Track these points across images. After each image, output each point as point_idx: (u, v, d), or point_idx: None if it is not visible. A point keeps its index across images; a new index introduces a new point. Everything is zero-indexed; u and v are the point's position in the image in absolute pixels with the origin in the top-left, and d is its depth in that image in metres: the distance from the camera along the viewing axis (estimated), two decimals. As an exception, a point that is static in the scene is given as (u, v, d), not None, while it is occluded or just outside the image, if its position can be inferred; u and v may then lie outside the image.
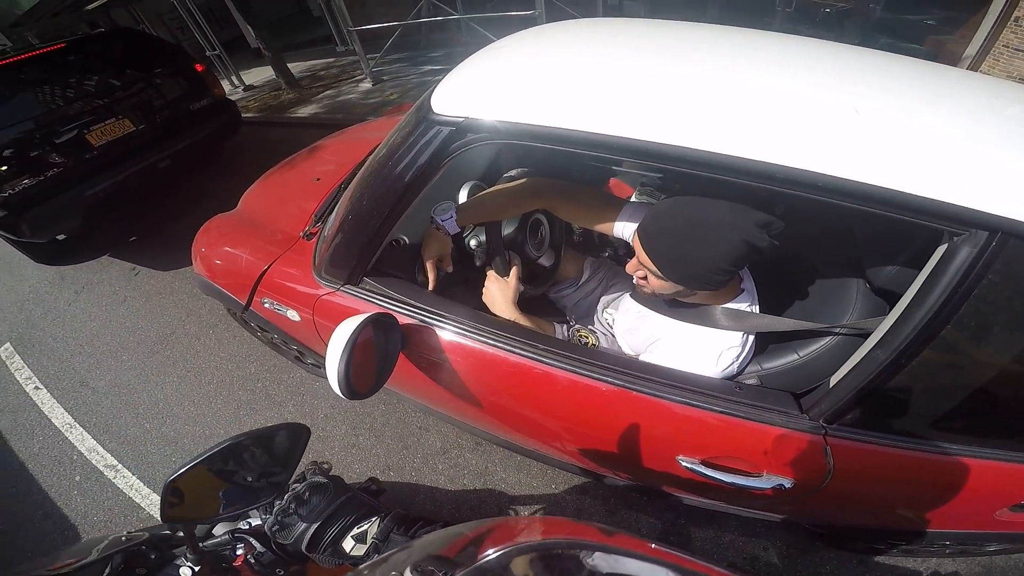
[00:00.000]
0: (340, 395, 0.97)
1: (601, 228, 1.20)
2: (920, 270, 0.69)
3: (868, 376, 0.74)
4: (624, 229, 1.14)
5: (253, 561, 0.67)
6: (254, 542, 0.69)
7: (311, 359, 1.98)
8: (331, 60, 8.14)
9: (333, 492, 0.74)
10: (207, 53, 7.63)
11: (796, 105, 0.70)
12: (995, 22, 4.18)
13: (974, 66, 4.41)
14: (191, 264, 3.34)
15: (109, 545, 0.70)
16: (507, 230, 1.32)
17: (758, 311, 1.00)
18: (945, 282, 0.63)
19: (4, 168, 3.08)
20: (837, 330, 0.93)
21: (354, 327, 0.96)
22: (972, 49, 4.48)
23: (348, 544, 0.67)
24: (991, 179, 0.60)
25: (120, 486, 2.23)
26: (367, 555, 0.64)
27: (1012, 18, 4.03)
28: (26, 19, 10.84)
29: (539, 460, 1.56)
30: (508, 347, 1.03)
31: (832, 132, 0.65)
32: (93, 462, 2.38)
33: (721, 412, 0.86)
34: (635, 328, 1.17)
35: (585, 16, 5.71)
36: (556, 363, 0.98)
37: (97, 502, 2.21)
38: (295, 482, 0.83)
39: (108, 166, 3.52)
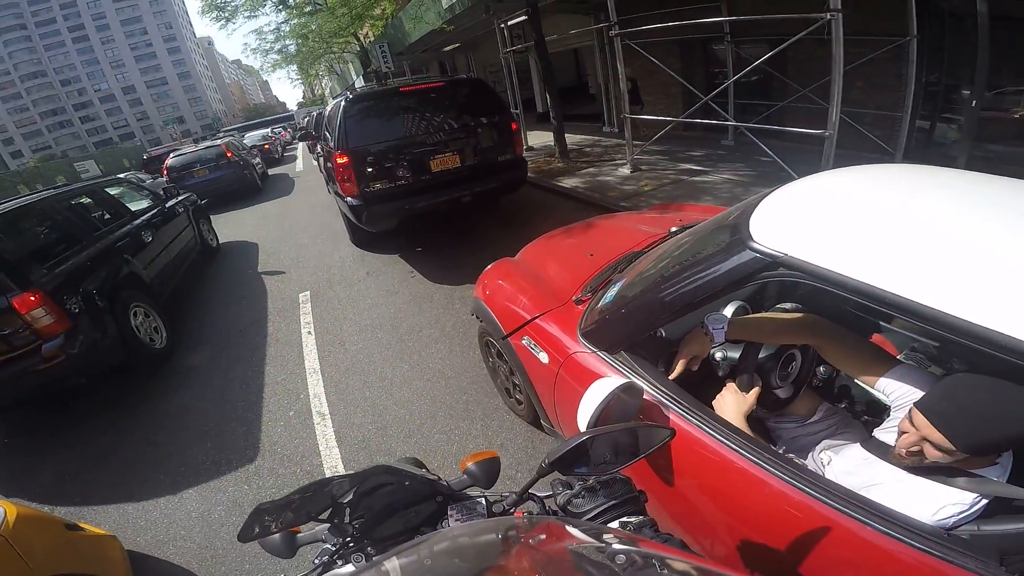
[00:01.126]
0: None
1: (865, 379, 1.21)
2: None
3: None
4: (890, 386, 1.14)
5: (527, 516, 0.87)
6: (536, 507, 0.90)
7: (519, 396, 2.33)
8: (597, 138, 9.26)
9: (628, 487, 0.90)
10: (512, 110, 9.36)
11: None
12: None
13: None
14: (454, 285, 4.27)
15: (410, 475, 0.89)
16: (761, 354, 1.43)
17: (1005, 483, 0.92)
18: None
19: (370, 170, 4.32)
20: None
21: (615, 385, 1.17)
22: None
23: (614, 525, 0.82)
24: None
25: (318, 434, 2.80)
26: None
27: None
28: (407, 50, 14.58)
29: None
30: (729, 443, 1.12)
31: None
32: (312, 406, 3.07)
33: (918, 548, 0.84)
34: (855, 471, 1.14)
35: (885, 141, 5.21)
36: (778, 472, 1.03)
37: (291, 439, 2.81)
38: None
39: (434, 189, 4.56)
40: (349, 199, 4.49)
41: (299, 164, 17.36)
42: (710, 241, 1.26)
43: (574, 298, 1.80)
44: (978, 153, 5.32)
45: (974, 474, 0.95)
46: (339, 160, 4.30)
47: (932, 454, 0.93)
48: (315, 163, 12.51)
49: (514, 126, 4.93)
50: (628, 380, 1.22)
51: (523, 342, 1.86)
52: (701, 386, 1.64)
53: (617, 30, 5.97)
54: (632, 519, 0.83)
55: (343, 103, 4.47)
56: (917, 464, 0.98)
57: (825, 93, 4.56)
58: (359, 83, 17.92)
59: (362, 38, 15.53)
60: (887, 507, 0.94)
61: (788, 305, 1.48)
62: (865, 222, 1.00)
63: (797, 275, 1.00)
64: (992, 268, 0.81)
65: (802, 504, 1.00)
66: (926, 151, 5.71)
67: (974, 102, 5.38)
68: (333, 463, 2.60)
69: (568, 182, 6.70)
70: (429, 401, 2.91)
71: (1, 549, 1.50)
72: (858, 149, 5.42)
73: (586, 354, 1.53)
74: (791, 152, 5.01)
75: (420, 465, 1.26)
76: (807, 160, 4.56)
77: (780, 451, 1.56)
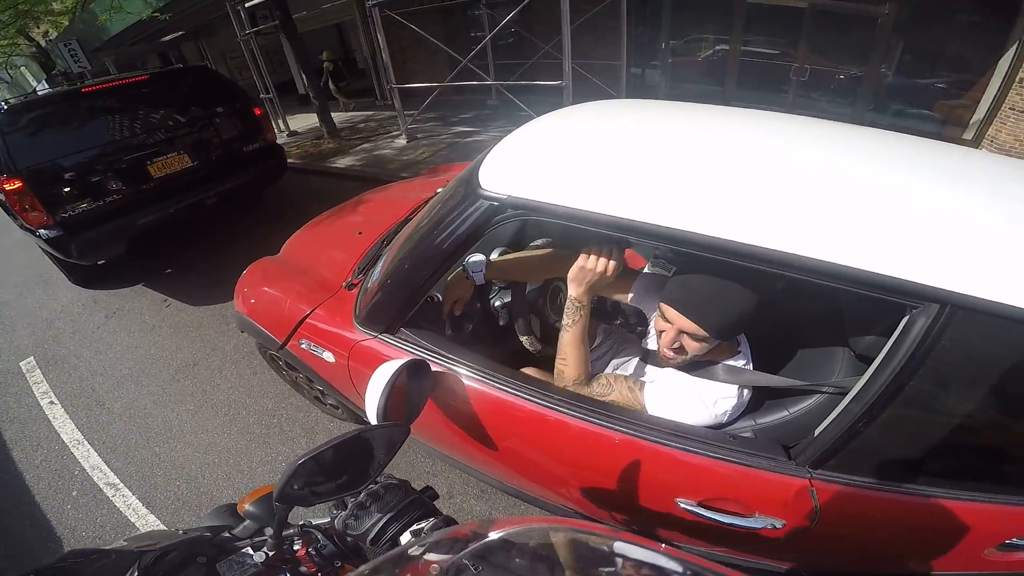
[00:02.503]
0: None
1: (618, 296, 1.37)
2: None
3: (845, 426, 0.87)
4: (637, 296, 1.32)
5: (314, 553, 0.76)
6: (319, 535, 0.78)
7: (331, 400, 2.10)
8: (370, 113, 8.81)
9: (404, 492, 0.81)
10: (261, 95, 8.24)
11: (787, 192, 0.87)
12: (1001, 84, 4.32)
13: (981, 132, 4.58)
14: (224, 302, 3.61)
15: (167, 536, 0.77)
16: (530, 296, 1.49)
17: (751, 369, 1.14)
18: (906, 347, 0.78)
19: (67, 190, 3.36)
20: (823, 389, 1.07)
21: (394, 369, 1.09)
22: (979, 114, 4.62)
23: (405, 538, 0.73)
24: (942, 256, 0.74)
25: (118, 504, 2.28)
26: None
27: (1017, 80, 4.17)
28: (107, 45, 11.78)
29: (541, 507, 1.64)
30: (525, 395, 1.17)
31: (814, 217, 0.82)
32: (95, 479, 2.44)
33: (716, 458, 0.98)
34: (639, 367, 1.33)
35: (610, 86, 6.14)
36: (570, 412, 1.12)
37: (90, 518, 2.26)
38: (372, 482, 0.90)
39: (162, 198, 3.78)
40: (42, 231, 3.42)
41: None
42: (452, 198, 1.24)
43: (344, 284, 1.64)
44: (675, 92, 6.62)
45: (728, 365, 1.12)
46: (8, 187, 3.22)
47: (690, 345, 1.06)
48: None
49: (258, 111, 4.37)
50: (411, 358, 1.14)
51: (303, 346, 1.63)
52: (495, 342, 1.67)
53: (375, 0, 5.66)
54: (424, 523, 0.76)
55: None
56: (680, 361, 1.11)
57: (563, 48, 5.02)
58: (42, 88, 13.62)
59: (38, 38, 11.72)
60: (674, 421, 1.07)
61: (540, 242, 1.56)
62: (570, 154, 1.08)
63: (523, 213, 1.03)
64: (675, 178, 0.93)
65: (607, 436, 1.08)
66: (640, 93, 6.86)
67: (665, 47, 6.65)
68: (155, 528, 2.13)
69: (343, 162, 6.26)
70: (235, 436, 2.50)
71: None
72: (592, 96, 6.22)
73: (369, 340, 1.40)
74: (543, 105, 5.37)
75: (235, 509, 1.06)
76: (553, 109, 5.05)
77: None
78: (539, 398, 1.15)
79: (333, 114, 7.49)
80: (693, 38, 6.62)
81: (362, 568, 0.61)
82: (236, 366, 3.00)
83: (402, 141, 6.53)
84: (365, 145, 6.81)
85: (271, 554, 0.73)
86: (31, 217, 3.35)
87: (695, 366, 1.13)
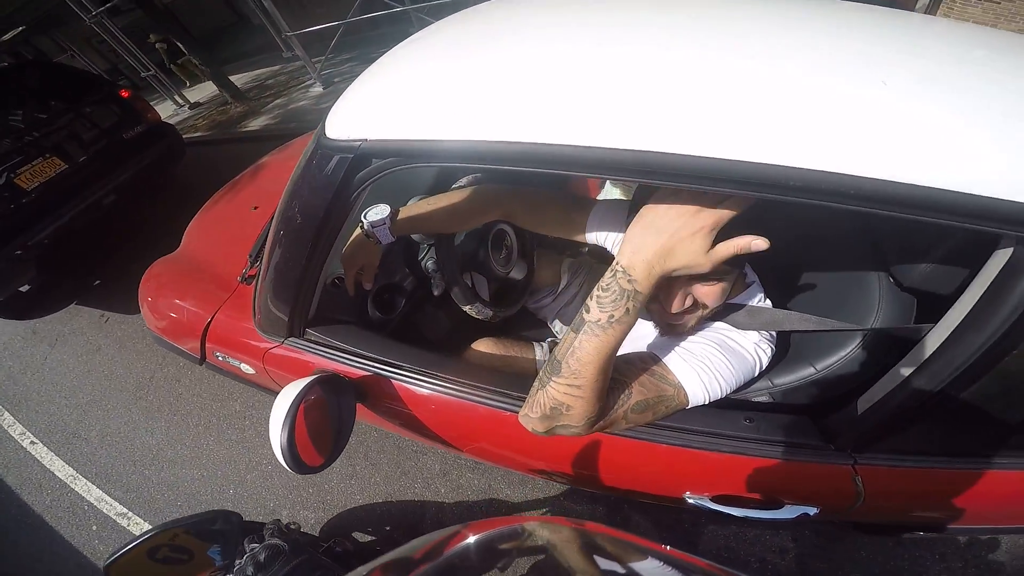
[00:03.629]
0: (291, 471, 0.80)
1: (574, 237, 0.97)
2: (961, 268, 0.52)
3: (907, 402, 0.58)
4: (599, 236, 0.93)
5: None
6: None
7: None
8: (277, 68, 7.56)
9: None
10: (143, 75, 7.00)
11: (789, 80, 0.49)
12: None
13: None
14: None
15: None
16: (467, 247, 1.12)
17: (771, 307, 0.81)
18: (1016, 298, 0.46)
19: None
20: (865, 330, 0.74)
21: (294, 396, 0.78)
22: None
23: None
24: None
25: (134, 532, 2.09)
26: None
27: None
28: None
29: (540, 476, 1.43)
30: (471, 398, 0.86)
31: (847, 117, 0.45)
32: (104, 511, 2.25)
33: (731, 452, 0.71)
34: (643, 336, 0.90)
35: None
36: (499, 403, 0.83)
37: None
38: (253, 543, 0.82)
39: (48, 209, 3.13)
40: None
41: None
42: (304, 159, 0.81)
43: (239, 277, 1.24)
44: None
45: (746, 306, 0.77)
46: None
47: (703, 292, 0.70)
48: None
49: (125, 94, 3.60)
50: (316, 377, 0.82)
51: (219, 358, 1.28)
52: (441, 316, 1.33)
53: None
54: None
55: None
56: (692, 323, 0.75)
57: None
58: None
59: None
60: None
61: (463, 181, 1.16)
62: (453, 73, 0.65)
63: (393, 160, 0.65)
64: (606, 83, 0.53)
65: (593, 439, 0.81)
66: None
67: None
68: None
69: (257, 123, 5.42)
70: (213, 445, 2.26)
71: None
72: None
73: (277, 348, 1.05)
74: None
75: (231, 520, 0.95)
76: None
77: (556, 330, 1.31)
78: (494, 400, 0.84)
79: (236, 76, 6.37)
80: None
81: None
82: (192, 371, 2.65)
83: (318, 88, 5.64)
84: (278, 101, 5.88)
85: None
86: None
87: (708, 319, 0.78)
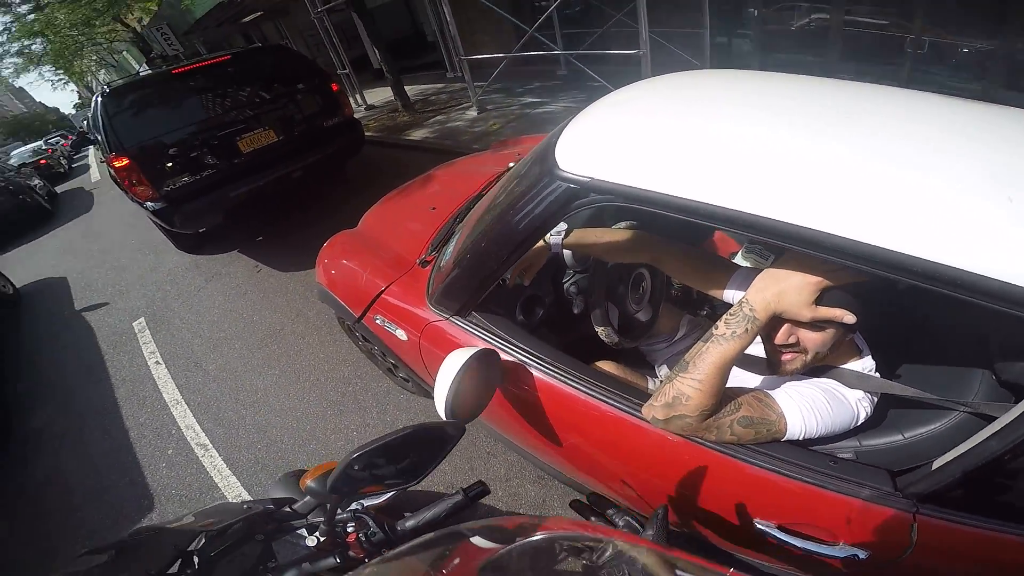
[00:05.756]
0: (444, 419, 1.07)
1: (711, 292, 1.20)
2: None
3: (979, 462, 0.71)
4: (735, 295, 1.14)
5: (363, 539, 0.79)
6: (370, 522, 0.81)
7: (403, 373, 2.16)
8: (441, 86, 8.85)
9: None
10: (338, 71, 8.51)
11: (933, 185, 0.68)
12: None
13: None
14: (308, 269, 3.83)
15: (232, 512, 0.82)
16: (611, 281, 1.39)
17: (879, 377, 0.96)
18: None
19: (169, 165, 3.69)
20: (961, 408, 0.88)
21: (463, 360, 1.06)
22: None
23: None
24: None
25: (206, 465, 2.50)
26: None
27: None
28: (196, 27, 12.74)
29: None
30: (599, 395, 1.08)
31: (984, 221, 0.63)
32: (188, 438, 2.71)
33: (811, 483, 0.86)
34: (758, 379, 1.13)
35: (693, 56, 5.67)
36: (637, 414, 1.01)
37: (180, 477, 2.49)
38: None
39: (252, 171, 4.04)
40: (149, 204, 3.79)
41: (94, 173, 14.19)
42: (525, 176, 1.14)
43: (418, 260, 1.63)
44: (768, 63, 6.01)
45: (855, 371, 0.95)
46: (117, 164, 3.57)
47: (809, 338, 0.88)
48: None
49: (335, 87, 4.50)
50: (479, 349, 1.11)
51: (377, 321, 1.67)
52: (566, 328, 1.60)
53: None
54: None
55: (101, 100, 3.70)
56: (800, 364, 0.92)
57: (637, 16, 4.73)
58: (143, 71, 14.94)
59: (133, 23, 12.88)
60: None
61: (623, 225, 1.45)
62: (661, 132, 0.95)
63: (608, 198, 0.92)
64: (787, 166, 0.77)
65: (685, 446, 0.98)
66: (727, 64, 6.29)
67: (755, 14, 6.03)
68: (236, 492, 2.32)
69: (417, 134, 6.37)
70: (313, 402, 2.66)
71: None
72: (671, 66, 5.79)
73: (441, 322, 1.39)
74: (616, 75, 5.16)
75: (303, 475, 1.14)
76: (630, 80, 4.73)
77: (662, 373, 1.55)
78: (614, 399, 1.06)
79: (406, 87, 7.60)
80: (786, 5, 5.87)
81: (415, 541, 0.61)
82: (318, 333, 3.17)
83: (473, 113, 6.52)
84: (438, 117, 6.88)
85: (322, 540, 0.75)
86: (139, 191, 3.71)
87: (819, 371, 0.97)
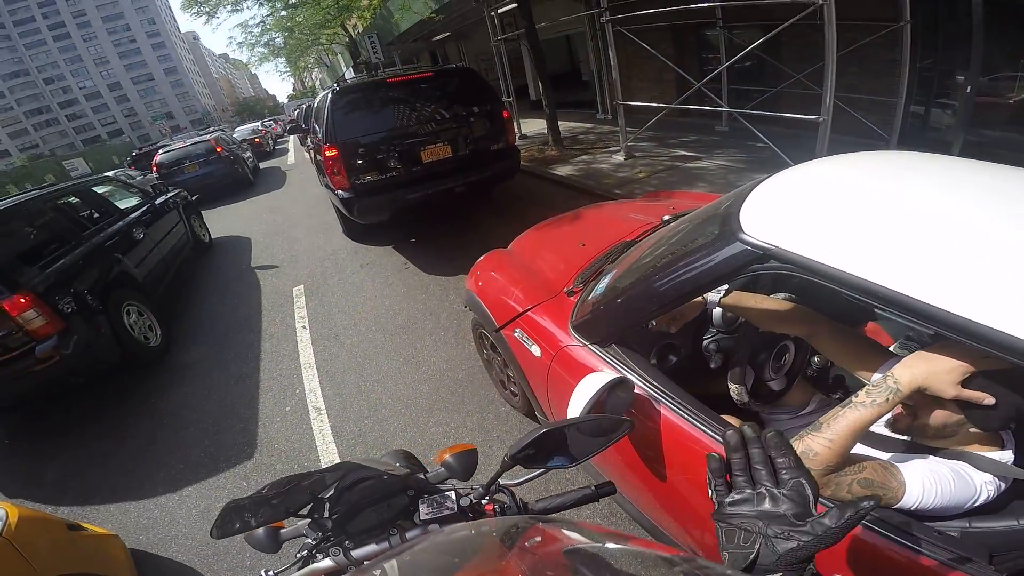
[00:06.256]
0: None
1: (860, 373, 1.20)
2: None
3: None
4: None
5: (498, 510, 0.89)
6: (508, 498, 0.91)
7: (514, 388, 2.34)
8: (591, 126, 9.21)
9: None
10: (503, 99, 9.30)
11: None
12: None
13: None
14: (449, 276, 4.28)
15: (387, 467, 0.91)
16: (755, 345, 1.43)
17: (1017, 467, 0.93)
18: None
19: (360, 163, 4.31)
20: None
21: (605, 381, 1.19)
22: None
23: None
24: None
25: (314, 429, 2.82)
26: None
27: None
28: (396, 40, 14.67)
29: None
30: (718, 436, 1.13)
31: None
32: (308, 400, 3.09)
33: (910, 547, 0.87)
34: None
35: (879, 126, 5.19)
36: None
37: (288, 434, 2.84)
38: None
39: (426, 180, 4.54)
40: (340, 192, 4.48)
41: (291, 157, 17.23)
42: (701, 232, 1.25)
43: (566, 289, 1.81)
44: (972, 138, 5.30)
45: (989, 458, 0.95)
46: (328, 153, 4.29)
47: (931, 414, 0.93)
48: (307, 156, 12.40)
49: (506, 115, 4.92)
50: (619, 375, 1.23)
51: (515, 335, 1.87)
52: (693, 381, 1.66)
53: (608, 16, 5.92)
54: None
55: (330, 96, 4.45)
56: (906, 426, 0.98)
57: (818, 78, 4.53)
58: (349, 75, 17.72)
59: (350, 29, 15.41)
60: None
61: (781, 295, 1.49)
62: (856, 212, 0.99)
63: (788, 267, 0.99)
64: (986, 261, 0.79)
65: None
66: (921, 136, 5.71)
67: (968, 87, 5.36)
68: (330, 458, 2.60)
69: (562, 170, 6.68)
70: (425, 394, 2.93)
71: (3, 551, 1.51)
72: (852, 134, 5.40)
73: (578, 347, 1.54)
74: (785, 138, 5.01)
75: (411, 458, 1.28)
76: (801, 145, 4.55)
77: None
78: None
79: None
80: (1006, 74, 5.13)
81: (493, 520, 0.69)
82: (445, 334, 3.50)
83: (620, 157, 6.65)
84: (584, 157, 7.14)
85: (473, 502, 0.86)
86: (336, 180, 4.39)
87: (955, 454, 0.97)
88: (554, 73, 15.35)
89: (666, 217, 2.04)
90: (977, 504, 0.92)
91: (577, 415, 1.19)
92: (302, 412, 3.00)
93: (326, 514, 0.84)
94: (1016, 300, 0.73)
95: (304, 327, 4.06)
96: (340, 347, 3.63)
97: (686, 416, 1.23)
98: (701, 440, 1.19)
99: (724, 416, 1.42)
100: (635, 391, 1.32)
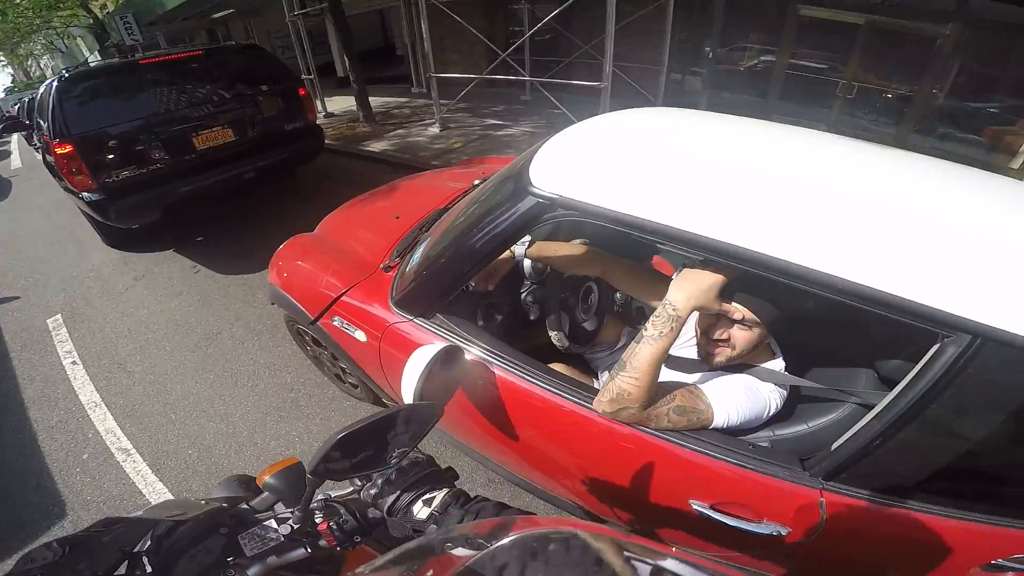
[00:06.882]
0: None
1: (652, 301, 1.41)
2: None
3: (863, 442, 0.91)
4: None
5: (335, 527, 0.78)
6: (342, 510, 0.80)
7: (352, 379, 2.19)
8: (405, 100, 8.96)
9: (424, 464, 0.88)
10: (303, 76, 8.44)
11: (831, 213, 0.91)
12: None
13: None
14: (251, 272, 3.76)
15: (192, 506, 0.79)
16: (563, 292, 1.55)
17: (788, 374, 1.18)
18: (932, 373, 0.82)
19: (112, 157, 3.56)
20: (849, 400, 1.12)
21: (432, 353, 1.15)
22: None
23: (418, 507, 0.80)
24: (978, 287, 0.78)
25: (127, 470, 2.36)
26: (428, 519, 0.78)
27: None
28: (161, 19, 12.43)
29: (547, 501, 1.71)
30: (555, 390, 1.22)
31: (852, 238, 0.86)
32: (107, 443, 2.54)
33: (735, 464, 1.04)
34: (687, 373, 1.32)
35: (648, 90, 6.17)
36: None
37: (97, 483, 2.34)
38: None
39: (202, 169, 3.98)
40: (85, 195, 3.65)
41: (15, 160, 13.10)
42: (499, 190, 1.29)
43: (382, 265, 1.71)
44: (715, 100, 6.62)
45: (767, 368, 1.16)
46: (59, 151, 3.45)
47: (739, 337, 1.08)
48: (38, 157, 9.59)
49: (302, 92, 4.56)
50: (447, 344, 1.21)
51: (335, 323, 1.72)
52: (521, 336, 1.74)
53: None
54: (436, 493, 0.82)
55: (55, 84, 3.61)
56: (725, 358, 1.12)
57: (602, 49, 5.09)
58: (94, 59, 14.27)
59: (96, 9, 12.36)
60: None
61: (578, 241, 1.63)
62: (622, 160, 1.14)
63: (573, 214, 1.08)
64: (727, 190, 0.98)
65: (631, 436, 1.13)
66: (678, 100, 6.88)
67: (711, 55, 6.65)
68: (162, 498, 2.20)
69: (376, 146, 6.41)
70: (252, 408, 2.60)
71: None
72: (628, 98, 6.25)
73: (404, 323, 1.48)
74: (577, 104, 5.57)
75: (248, 483, 1.10)
76: (589, 110, 5.06)
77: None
78: (568, 393, 1.20)
79: (369, 98, 7.65)
80: (738, 46, 6.61)
81: (384, 557, 0.62)
82: (259, 338, 3.10)
83: (435, 129, 6.66)
84: (399, 131, 6.96)
85: (296, 527, 0.75)
86: (76, 180, 3.55)
87: (740, 368, 1.17)
88: (367, 48, 14.59)
89: (476, 181, 2.06)
90: (772, 414, 1.13)
91: (411, 394, 1.14)
92: (105, 456, 2.47)
93: (148, 569, 0.66)
94: (740, 217, 0.92)
95: (75, 362, 3.22)
96: (129, 377, 2.99)
97: (518, 372, 1.28)
98: (535, 393, 1.25)
99: (553, 365, 1.52)
100: (468, 357, 1.33)
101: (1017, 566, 0.94)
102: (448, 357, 1.19)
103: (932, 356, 0.84)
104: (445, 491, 0.83)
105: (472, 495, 0.86)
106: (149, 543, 0.68)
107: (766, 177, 1.02)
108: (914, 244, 0.85)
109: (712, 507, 1.07)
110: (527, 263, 1.59)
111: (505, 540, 0.56)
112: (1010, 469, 0.95)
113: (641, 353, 1.04)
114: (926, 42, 4.96)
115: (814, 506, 0.99)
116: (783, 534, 1.02)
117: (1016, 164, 4.68)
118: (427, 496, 0.82)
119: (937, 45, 4.89)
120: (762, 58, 6.39)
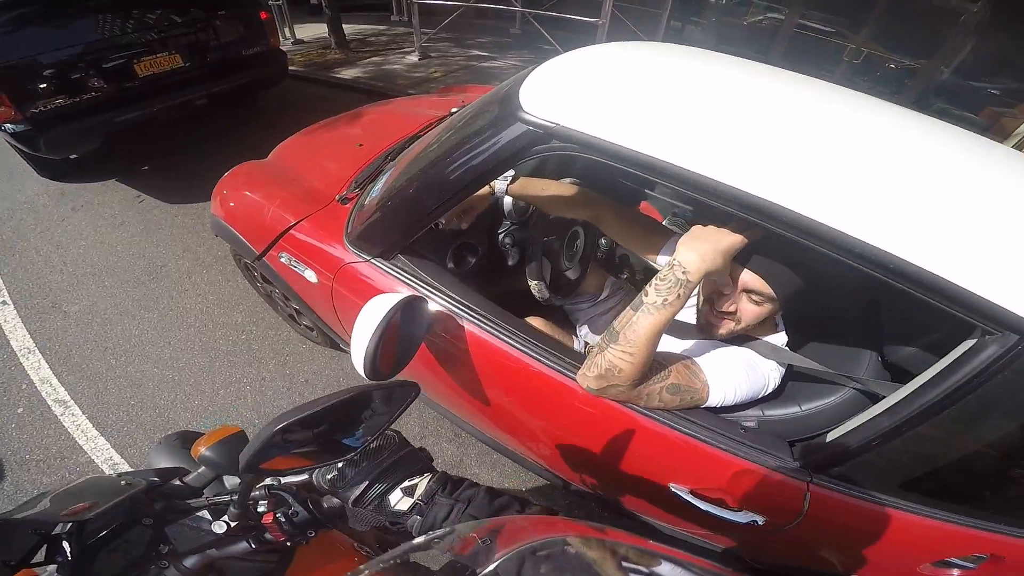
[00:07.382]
0: (362, 374, 0.98)
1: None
2: (939, 357, 0.76)
3: (867, 438, 0.81)
4: (664, 258, 1.20)
5: (283, 520, 0.67)
6: (290, 499, 0.68)
7: (307, 321, 2.00)
8: (383, 28, 8.29)
9: (397, 445, 0.73)
10: (269, 2, 7.71)
11: (855, 166, 0.77)
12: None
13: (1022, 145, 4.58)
14: (202, 201, 3.44)
15: (107, 490, 0.65)
16: (547, 236, 1.37)
17: (789, 351, 1.06)
18: (965, 371, 0.70)
19: (44, 86, 3.23)
20: (854, 386, 1.01)
21: (389, 306, 0.97)
22: (1026, 126, 4.58)
23: (395, 497, 0.67)
24: None
25: (66, 424, 2.19)
26: (411, 509, 0.65)
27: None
28: None
29: (515, 460, 1.61)
30: (530, 351, 1.07)
31: (883, 200, 0.72)
32: (43, 394, 2.33)
33: (723, 449, 0.93)
34: (686, 344, 1.17)
35: (647, 34, 5.91)
36: (573, 375, 1.02)
37: (34, 439, 2.15)
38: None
39: (145, 96, 3.68)
40: (8, 126, 3.30)
41: None
42: (481, 116, 1.08)
43: (338, 196, 1.49)
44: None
45: (770, 343, 1.02)
46: None
47: (748, 310, 0.93)
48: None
49: (264, 15, 4.19)
50: (406, 296, 1.03)
51: (282, 260, 1.50)
52: (496, 281, 1.57)
53: None
54: (417, 479, 0.68)
55: None
56: (728, 331, 0.98)
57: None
58: None
59: None
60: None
61: (567, 181, 1.44)
62: (634, 90, 0.94)
63: (571, 147, 0.89)
64: (738, 133, 0.81)
65: (614, 410, 0.99)
66: (675, 47, 6.63)
67: (714, 4, 6.41)
68: (105, 456, 2.04)
69: (348, 73, 5.94)
70: (199, 351, 2.40)
71: None
72: (624, 40, 6.01)
73: (360, 263, 1.28)
74: (570, 41, 5.14)
75: (189, 442, 0.92)
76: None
77: (582, 333, 1.59)
78: (546, 358, 1.05)
79: (344, 25, 7.05)
80: (744, 0, 6.43)
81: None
82: (208, 271, 2.87)
83: (414, 58, 6.23)
84: (374, 59, 6.46)
85: (232, 524, 0.64)
86: (-1, 112, 3.22)
87: (740, 340, 1.03)
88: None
89: (454, 109, 1.81)
90: (767, 393, 1.00)
91: (363, 358, 0.97)
92: (42, 410, 2.25)
93: (70, 555, 0.57)
94: (763, 166, 0.76)
95: (5, 302, 2.90)
96: (66, 318, 2.71)
97: (490, 329, 1.12)
98: (508, 353, 1.10)
99: (530, 319, 1.36)
100: (433, 308, 1.16)
101: (966, 564, 0.91)
102: (408, 311, 1.02)
103: (967, 352, 0.71)
104: (428, 477, 0.68)
105: (457, 478, 0.71)
106: (71, 525, 0.57)
107: (802, 127, 0.84)
108: (969, 226, 0.70)
109: (691, 492, 0.98)
110: (508, 200, 1.40)
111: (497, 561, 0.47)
112: (1012, 474, 0.88)
113: (639, 324, 0.86)
114: (950, 16, 4.89)
115: (798, 498, 0.91)
116: (759, 523, 0.94)
117: (1009, 145, 4.70)
118: (407, 484, 0.68)
119: (962, 20, 4.83)
120: (768, 14, 6.29)
